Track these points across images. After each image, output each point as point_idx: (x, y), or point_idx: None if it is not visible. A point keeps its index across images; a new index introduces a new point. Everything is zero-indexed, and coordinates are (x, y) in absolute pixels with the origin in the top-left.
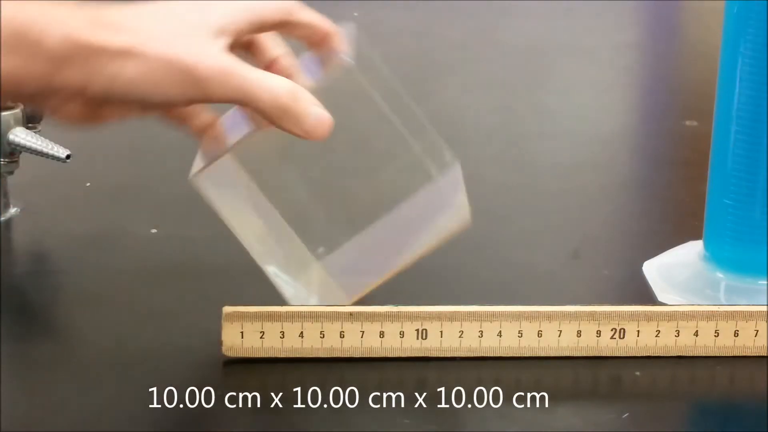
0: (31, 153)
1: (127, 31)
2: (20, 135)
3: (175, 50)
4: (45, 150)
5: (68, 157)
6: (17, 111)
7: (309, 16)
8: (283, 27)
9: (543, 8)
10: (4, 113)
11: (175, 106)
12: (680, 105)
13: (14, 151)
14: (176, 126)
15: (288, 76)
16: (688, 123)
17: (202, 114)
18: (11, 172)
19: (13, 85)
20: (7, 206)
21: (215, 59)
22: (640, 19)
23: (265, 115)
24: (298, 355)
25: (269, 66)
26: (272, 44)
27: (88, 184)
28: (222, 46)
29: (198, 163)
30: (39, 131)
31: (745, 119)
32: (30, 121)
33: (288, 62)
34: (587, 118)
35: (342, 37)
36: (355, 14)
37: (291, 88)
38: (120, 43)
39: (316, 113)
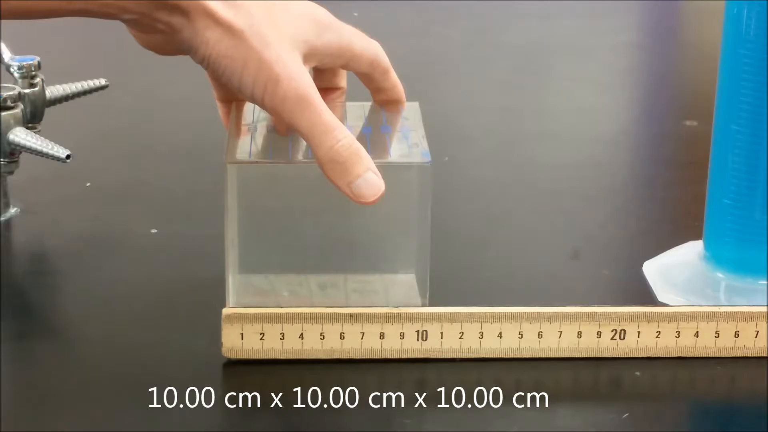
0: (31, 153)
1: (243, 12)
2: (20, 135)
3: (274, 57)
4: (45, 150)
5: (68, 157)
6: (17, 111)
7: (395, 79)
8: (364, 76)
9: (543, 8)
10: (4, 113)
11: (241, 97)
12: (680, 105)
13: (14, 151)
14: (215, 87)
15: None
16: (688, 123)
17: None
18: (11, 172)
19: (111, 11)
20: (7, 206)
21: (301, 83)
22: (640, 19)
23: (317, 157)
24: (298, 357)
25: (325, 92)
26: (340, 73)
27: (88, 184)
28: (309, 68)
29: (241, 149)
30: (39, 131)
31: (745, 119)
32: (30, 121)
33: (341, 100)
34: (587, 118)
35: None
36: (355, 14)
37: (350, 147)
38: (234, 21)
39: (368, 178)
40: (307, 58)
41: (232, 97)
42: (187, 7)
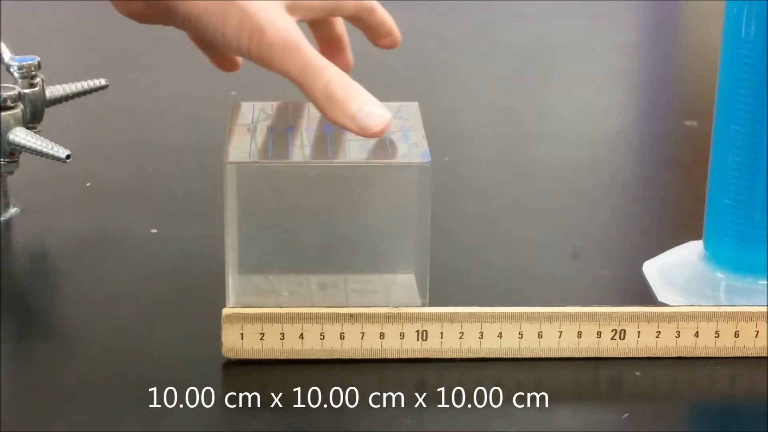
0: (31, 153)
1: None
2: (20, 135)
3: (255, 6)
4: (45, 150)
5: (68, 157)
6: (17, 111)
7: (382, 15)
8: (353, 19)
9: (543, 8)
10: (4, 113)
11: (227, 52)
12: (680, 105)
13: (14, 151)
14: (208, 55)
15: (345, 56)
16: (688, 123)
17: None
18: (11, 172)
19: None
20: (7, 206)
21: (287, 31)
22: (640, 19)
23: (313, 100)
24: (298, 357)
25: (327, 43)
26: (336, 22)
27: (88, 184)
28: (294, 20)
29: (241, 149)
30: (39, 131)
31: (745, 119)
32: (30, 121)
33: (345, 45)
34: (587, 118)
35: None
36: None
37: (344, 82)
38: None
39: (370, 109)
40: (290, 11)
41: (224, 57)
42: None
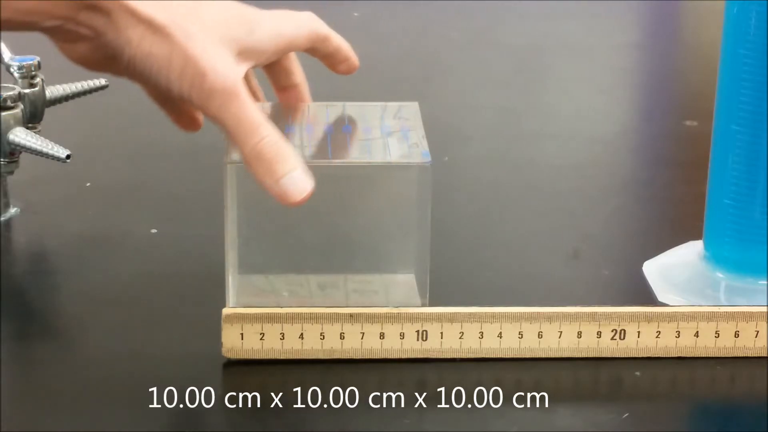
0: (31, 153)
1: (165, 9)
2: (20, 135)
3: (199, 50)
4: (45, 150)
5: (68, 157)
6: (17, 111)
7: (337, 42)
8: (309, 51)
9: (543, 8)
10: (4, 113)
11: (169, 95)
12: (680, 105)
13: (14, 151)
14: (166, 111)
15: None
16: (688, 123)
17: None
18: (11, 172)
19: (34, 18)
20: (7, 206)
21: (228, 78)
22: (640, 19)
23: (242, 154)
24: (298, 357)
25: (285, 90)
26: (294, 69)
27: (88, 184)
28: (242, 70)
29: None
30: (39, 131)
31: (745, 119)
32: (30, 121)
33: (304, 92)
34: (587, 118)
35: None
36: (356, 14)
37: (276, 144)
38: (155, 16)
39: (294, 176)
40: (240, 56)
41: (183, 113)
42: (108, 5)
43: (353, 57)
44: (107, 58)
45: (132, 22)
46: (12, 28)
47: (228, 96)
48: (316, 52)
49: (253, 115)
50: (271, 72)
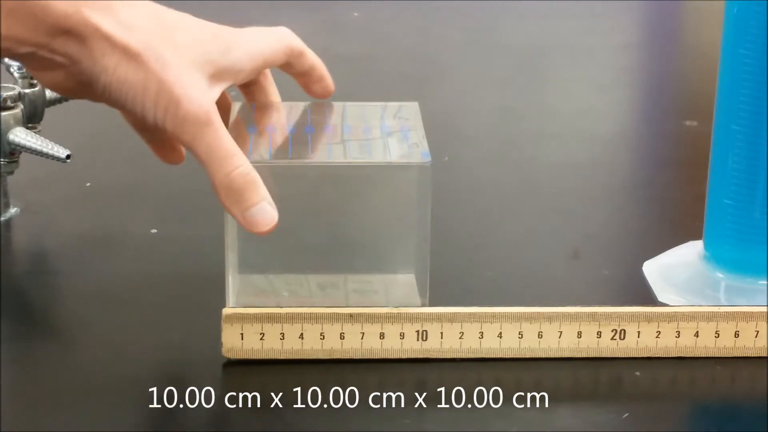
0: (31, 153)
1: (140, 35)
2: (20, 135)
3: (173, 77)
4: (45, 150)
5: (68, 157)
6: (17, 111)
7: (312, 59)
8: (284, 67)
9: (543, 8)
10: (4, 113)
11: (145, 123)
12: (680, 105)
13: (14, 151)
14: (147, 141)
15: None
16: (688, 123)
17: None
18: (11, 172)
19: (8, 44)
20: (7, 206)
21: (202, 107)
22: (640, 19)
23: (213, 183)
24: (298, 357)
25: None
26: (270, 87)
27: (88, 184)
28: (216, 93)
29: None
30: (39, 131)
31: (745, 119)
32: (30, 121)
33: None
34: (587, 118)
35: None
36: (356, 14)
37: (247, 175)
38: (129, 42)
39: (262, 207)
40: (216, 78)
41: (165, 145)
42: (83, 32)
43: (328, 78)
44: (83, 85)
45: (107, 49)
46: None
47: (201, 125)
48: (292, 68)
49: (225, 145)
50: (247, 91)
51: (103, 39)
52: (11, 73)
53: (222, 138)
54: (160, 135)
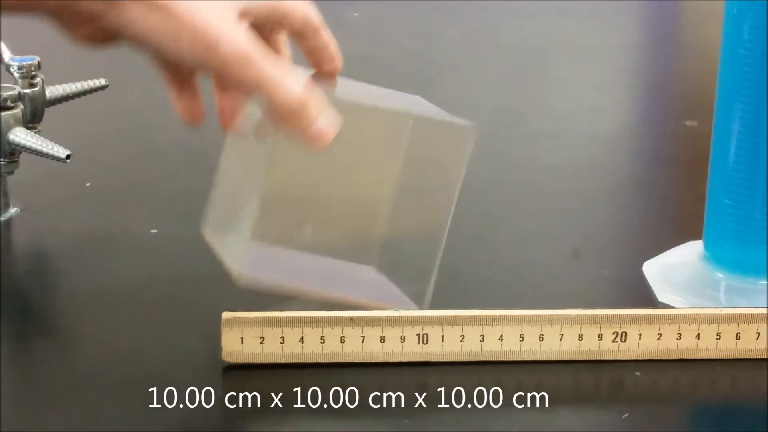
0: (31, 153)
1: None
2: (20, 135)
3: (203, 20)
4: (45, 150)
5: (68, 157)
6: (17, 111)
7: (327, 37)
8: (298, 36)
9: (543, 8)
10: (4, 113)
11: (183, 69)
12: (680, 105)
13: (14, 151)
14: (169, 85)
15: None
16: (688, 123)
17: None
18: (11, 172)
19: (35, 2)
20: (7, 206)
21: (240, 42)
22: (640, 19)
23: (274, 109)
24: (298, 361)
25: None
26: (283, 47)
27: (88, 184)
28: (245, 28)
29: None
30: (39, 131)
31: (745, 119)
32: (30, 121)
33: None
34: (587, 118)
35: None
36: (355, 14)
37: (301, 96)
38: None
39: (322, 124)
40: (242, 16)
41: (178, 72)
42: None
43: (339, 59)
44: (111, 38)
45: (133, 2)
46: (13, 11)
47: (245, 60)
48: (305, 42)
49: (274, 71)
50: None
51: None
52: (11, 73)
53: (266, 68)
54: (187, 75)
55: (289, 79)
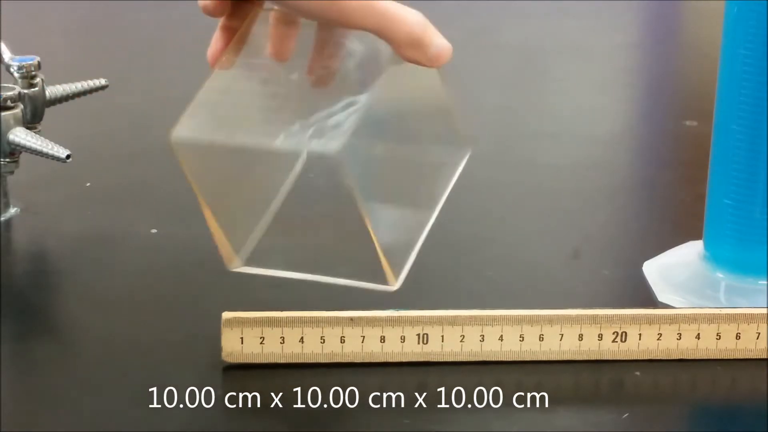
0: (31, 153)
1: None
2: (20, 135)
3: None
4: (45, 150)
5: (68, 157)
6: (17, 111)
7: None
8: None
9: (543, 8)
10: (4, 113)
11: (298, 14)
12: (680, 105)
13: (14, 151)
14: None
15: None
16: (688, 123)
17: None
18: (11, 172)
19: None
20: (7, 206)
21: None
22: (640, 19)
23: (396, 44)
24: (298, 361)
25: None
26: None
27: (88, 184)
28: None
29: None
30: (39, 131)
31: (745, 119)
32: (30, 121)
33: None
34: (587, 118)
35: None
36: None
37: (422, 20)
38: None
39: (440, 43)
40: None
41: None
42: None
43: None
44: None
45: None
46: None
47: (366, 6)
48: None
49: (392, 10)
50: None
51: None
52: (11, 73)
53: (387, 5)
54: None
55: (408, 11)
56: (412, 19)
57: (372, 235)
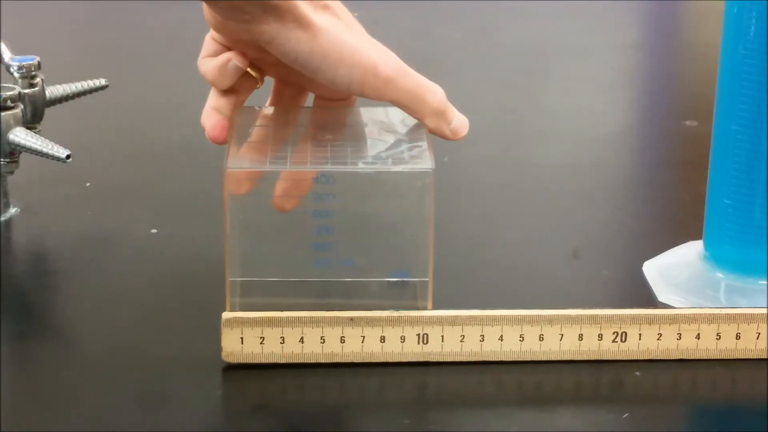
0: (31, 153)
1: (330, 14)
2: (20, 135)
3: (362, 44)
4: (45, 150)
5: (68, 157)
6: (17, 111)
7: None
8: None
9: (543, 8)
10: (4, 113)
11: (337, 91)
12: (680, 105)
13: (14, 151)
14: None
15: None
16: (688, 123)
17: None
18: (11, 172)
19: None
20: (7, 206)
21: (396, 61)
22: (640, 19)
23: (424, 116)
24: (298, 361)
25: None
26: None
27: (88, 184)
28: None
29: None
30: (39, 131)
31: (745, 119)
32: (30, 121)
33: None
34: (587, 118)
35: None
36: (355, 14)
37: (443, 96)
38: (319, 20)
39: (459, 117)
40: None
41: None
42: (280, 6)
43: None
44: (253, 42)
45: (300, 22)
46: None
47: (401, 76)
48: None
49: (420, 80)
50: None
51: (298, 15)
52: (11, 73)
53: (415, 76)
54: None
55: (430, 83)
56: (438, 90)
57: (431, 254)
